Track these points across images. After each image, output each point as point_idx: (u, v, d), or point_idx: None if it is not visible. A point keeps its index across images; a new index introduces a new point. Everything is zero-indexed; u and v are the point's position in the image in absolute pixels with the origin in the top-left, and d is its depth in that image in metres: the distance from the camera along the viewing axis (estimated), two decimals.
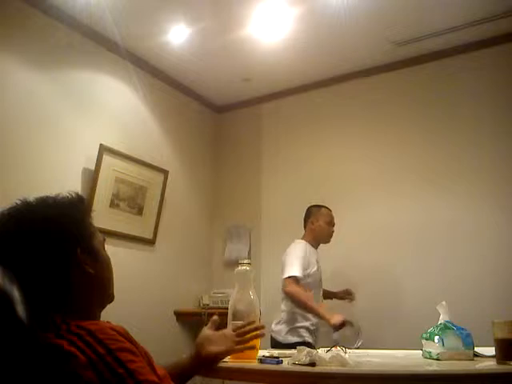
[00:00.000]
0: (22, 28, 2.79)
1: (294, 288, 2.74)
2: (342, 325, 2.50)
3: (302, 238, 3.01)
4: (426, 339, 1.62)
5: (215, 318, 1.30)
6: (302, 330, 2.82)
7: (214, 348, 1.18)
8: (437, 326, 1.60)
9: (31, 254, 0.82)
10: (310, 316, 2.81)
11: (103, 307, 0.95)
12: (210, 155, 4.28)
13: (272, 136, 4.06)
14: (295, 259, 2.83)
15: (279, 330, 2.85)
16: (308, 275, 2.85)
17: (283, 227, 3.70)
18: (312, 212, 3.05)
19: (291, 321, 2.84)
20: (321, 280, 2.98)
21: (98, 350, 0.75)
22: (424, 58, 3.45)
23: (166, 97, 3.83)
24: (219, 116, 4.40)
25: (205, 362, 1.18)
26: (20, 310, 0.75)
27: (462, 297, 2.81)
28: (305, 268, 2.83)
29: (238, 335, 1.26)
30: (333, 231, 3.01)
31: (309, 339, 2.78)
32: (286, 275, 2.79)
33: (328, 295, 3.11)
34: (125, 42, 3.28)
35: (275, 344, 2.77)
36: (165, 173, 3.62)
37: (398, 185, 3.42)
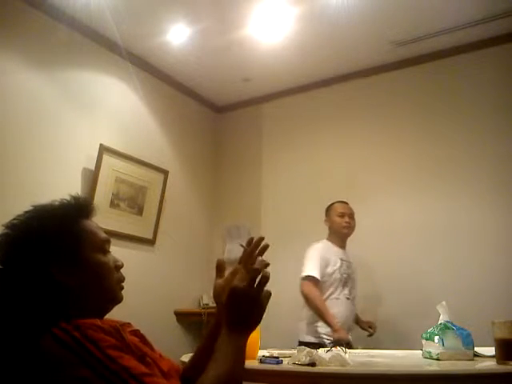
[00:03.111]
0: (22, 28, 2.79)
1: (309, 289, 2.73)
2: (340, 344, 2.36)
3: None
4: (426, 339, 1.62)
5: (219, 260, 1.06)
6: (320, 330, 2.76)
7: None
8: (437, 326, 1.60)
9: (17, 266, 0.88)
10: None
11: (103, 311, 0.94)
12: (210, 155, 4.28)
13: (272, 136, 4.06)
14: (311, 259, 2.82)
15: (301, 328, 2.83)
16: (327, 274, 2.82)
17: (283, 227, 3.70)
18: (326, 211, 3.07)
19: (311, 320, 2.81)
20: (348, 278, 2.89)
21: (88, 347, 0.78)
22: (424, 57, 3.44)
23: (165, 97, 3.83)
24: (219, 116, 4.40)
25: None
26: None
27: (462, 297, 2.80)
28: (323, 267, 2.81)
29: (248, 259, 1.03)
30: (346, 221, 2.94)
31: (327, 340, 2.68)
32: (303, 275, 2.77)
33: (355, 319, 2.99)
34: (125, 42, 3.28)
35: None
36: (165, 173, 3.62)
37: (397, 185, 3.42)
